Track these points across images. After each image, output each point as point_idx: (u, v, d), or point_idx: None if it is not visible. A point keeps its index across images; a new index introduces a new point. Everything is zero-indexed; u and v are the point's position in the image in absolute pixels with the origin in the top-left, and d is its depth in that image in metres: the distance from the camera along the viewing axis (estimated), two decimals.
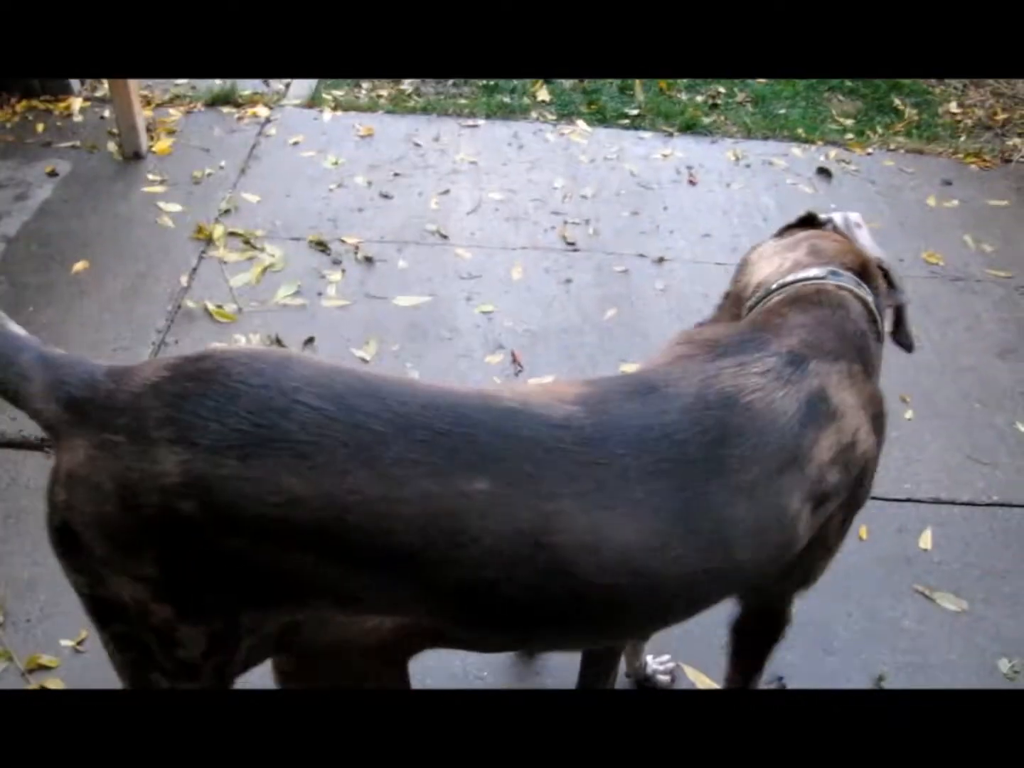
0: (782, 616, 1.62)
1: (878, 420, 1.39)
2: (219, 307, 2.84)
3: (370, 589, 1.09)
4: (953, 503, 2.48)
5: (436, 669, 1.85)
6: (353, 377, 1.07)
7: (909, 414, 2.72)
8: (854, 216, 1.63)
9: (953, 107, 4.56)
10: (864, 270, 1.49)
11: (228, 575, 1.05)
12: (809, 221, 1.63)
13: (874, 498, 2.44)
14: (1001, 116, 4.50)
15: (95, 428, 1.03)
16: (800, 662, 2.03)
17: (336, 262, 3.09)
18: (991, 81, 4.83)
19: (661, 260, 3.25)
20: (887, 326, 1.56)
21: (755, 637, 1.68)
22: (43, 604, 2.01)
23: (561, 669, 1.93)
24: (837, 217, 1.62)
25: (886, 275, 1.56)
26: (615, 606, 1.15)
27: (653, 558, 1.12)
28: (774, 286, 1.45)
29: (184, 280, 2.94)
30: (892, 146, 4.12)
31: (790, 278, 1.44)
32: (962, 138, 4.28)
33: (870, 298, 1.45)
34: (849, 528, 1.45)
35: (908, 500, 2.47)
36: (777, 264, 1.50)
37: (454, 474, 1.03)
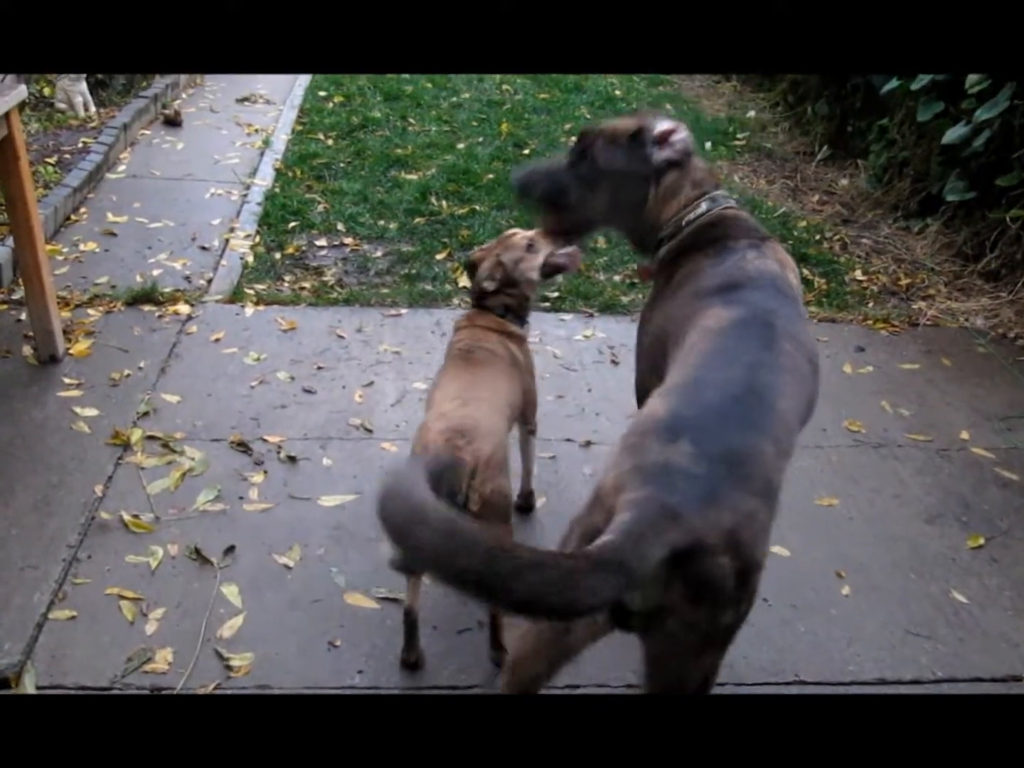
0: None
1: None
2: (135, 517, 2.73)
3: None
4: (899, 682, 2.43)
5: None
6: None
7: (846, 590, 2.69)
8: (670, 134, 2.23)
9: (859, 275, 4.76)
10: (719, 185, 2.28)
11: None
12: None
13: (818, 683, 2.41)
14: (904, 281, 4.71)
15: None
16: None
17: (258, 463, 3.01)
18: (892, 248, 5.08)
19: (588, 444, 3.23)
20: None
21: None
22: None
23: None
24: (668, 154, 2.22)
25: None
26: None
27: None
28: (684, 223, 2.19)
29: (99, 490, 2.84)
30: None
31: (691, 216, 2.18)
32: (870, 304, 4.45)
33: (735, 203, 2.25)
34: None
35: (853, 683, 2.41)
36: (675, 206, 2.21)
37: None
